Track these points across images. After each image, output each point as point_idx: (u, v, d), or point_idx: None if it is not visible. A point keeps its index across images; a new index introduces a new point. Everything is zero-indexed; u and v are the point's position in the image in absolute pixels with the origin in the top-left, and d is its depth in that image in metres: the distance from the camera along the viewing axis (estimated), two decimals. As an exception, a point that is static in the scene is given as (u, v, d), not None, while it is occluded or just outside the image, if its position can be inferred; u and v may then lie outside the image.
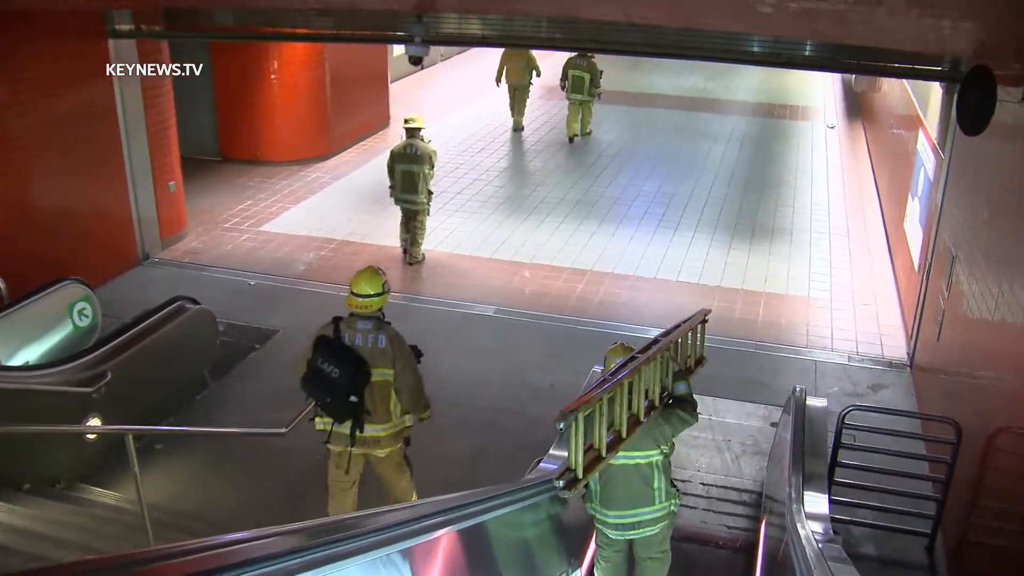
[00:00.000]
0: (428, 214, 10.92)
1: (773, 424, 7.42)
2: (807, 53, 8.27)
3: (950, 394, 6.75)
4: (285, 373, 6.30)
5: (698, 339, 5.96)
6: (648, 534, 5.06)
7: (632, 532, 5.07)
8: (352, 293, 5.82)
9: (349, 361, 5.63)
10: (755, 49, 8.42)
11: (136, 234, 10.73)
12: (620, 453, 4.78)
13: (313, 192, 13.17)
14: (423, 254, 11.02)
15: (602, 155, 15.37)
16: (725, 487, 6.79)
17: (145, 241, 10.80)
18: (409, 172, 10.61)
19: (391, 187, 10.77)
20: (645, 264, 10.71)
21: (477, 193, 13.16)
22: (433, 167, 10.70)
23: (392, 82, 19.66)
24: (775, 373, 8.32)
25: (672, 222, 12.02)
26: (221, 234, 11.59)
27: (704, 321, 6.05)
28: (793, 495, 5.06)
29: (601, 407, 4.48)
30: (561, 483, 4.36)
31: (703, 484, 6.83)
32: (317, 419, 5.91)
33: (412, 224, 10.83)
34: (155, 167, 10.77)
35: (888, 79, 14.21)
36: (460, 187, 13.37)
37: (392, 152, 10.73)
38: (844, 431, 6.20)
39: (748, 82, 21.60)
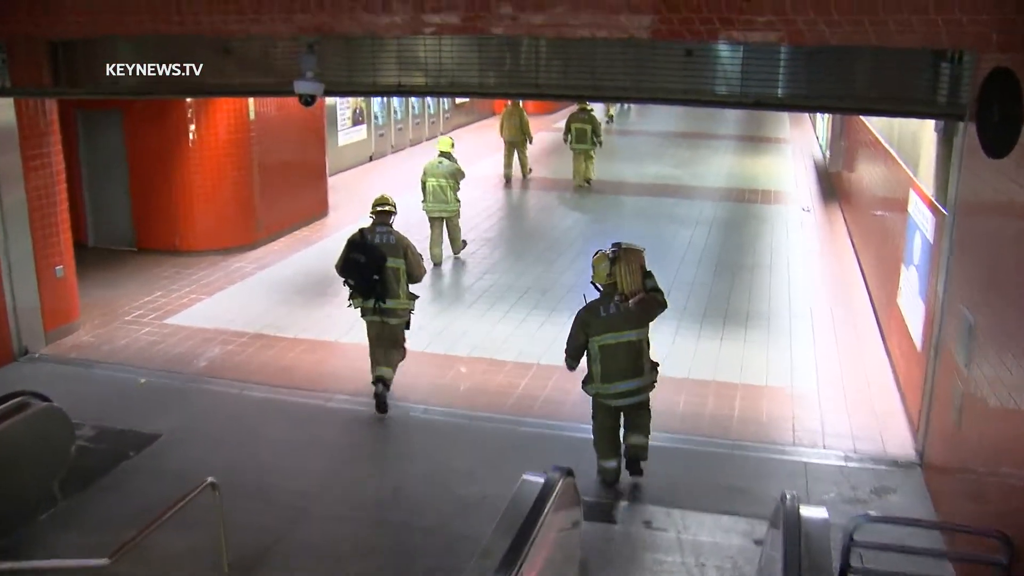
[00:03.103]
0: (459, 216, 13.41)
1: (758, 542, 6.50)
2: (780, 93, 7.18)
3: (981, 498, 5.68)
4: (162, 484, 6.38)
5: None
6: (640, 399, 7.14)
7: (631, 399, 7.10)
8: (375, 203, 8.74)
9: (371, 251, 8.35)
10: (720, 90, 7.36)
11: (11, 325, 9.79)
12: (618, 333, 7.01)
13: (232, 283, 12.53)
14: (465, 241, 13.73)
15: (558, 240, 15.02)
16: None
17: (23, 333, 9.91)
18: (439, 186, 12.96)
19: (423, 200, 13.09)
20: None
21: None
22: (459, 182, 13.13)
23: (338, 172, 19.49)
24: (757, 478, 7.47)
25: (633, 308, 10.97)
26: (119, 327, 10.84)
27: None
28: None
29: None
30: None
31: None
32: (351, 301, 8.62)
33: (450, 226, 13.27)
34: (37, 249, 9.95)
35: (868, 144, 13.74)
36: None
37: (425, 168, 13.17)
38: (853, 549, 5.02)
39: (717, 168, 21.79)
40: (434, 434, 8.28)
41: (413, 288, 8.73)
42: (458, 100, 27.28)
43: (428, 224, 13.23)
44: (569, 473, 5.51)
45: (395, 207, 8.79)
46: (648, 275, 7.16)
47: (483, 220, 16.21)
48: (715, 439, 8.10)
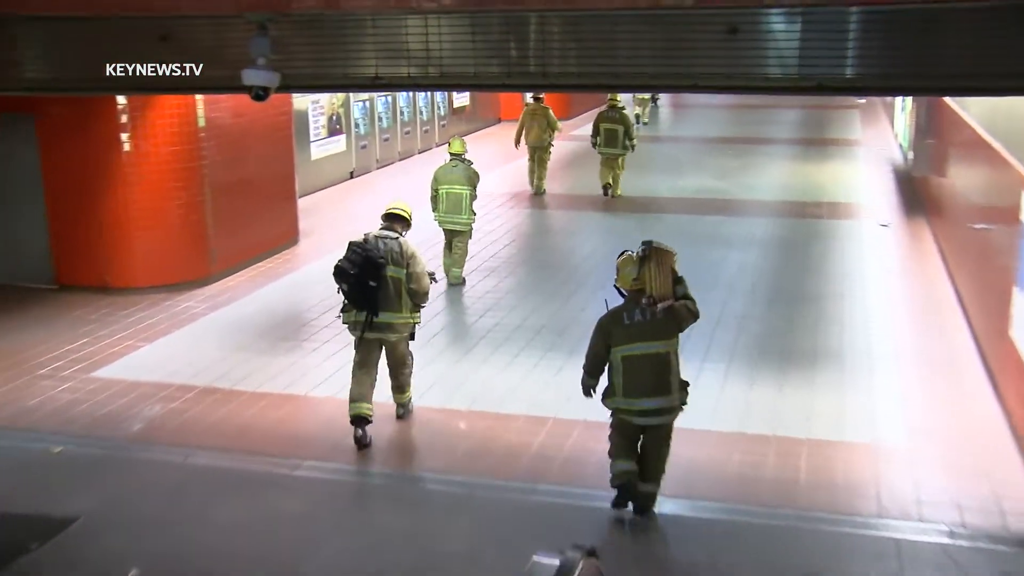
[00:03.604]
0: (471, 236, 14.06)
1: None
2: (849, 72, 7.17)
3: None
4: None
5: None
6: (664, 420, 7.52)
7: (654, 419, 7.47)
8: (390, 206, 9.36)
9: (369, 254, 8.74)
10: (773, 72, 7.34)
11: None
12: (644, 344, 7.37)
13: (179, 326, 12.50)
14: (464, 277, 13.99)
15: (577, 268, 15.09)
16: None
17: (-93, 394, 9.87)
18: (454, 193, 13.57)
19: (434, 210, 13.76)
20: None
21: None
22: (476, 189, 13.73)
23: (312, 192, 19.80)
24: (835, 559, 7.36)
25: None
26: (30, 383, 10.70)
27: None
28: None
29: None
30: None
31: None
32: (344, 315, 9.02)
33: (455, 244, 13.82)
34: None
35: (964, 140, 13.71)
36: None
37: (436, 175, 13.79)
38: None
39: (772, 178, 22.09)
40: (427, 508, 8.20)
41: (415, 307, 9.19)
42: (456, 103, 27.48)
43: (443, 239, 14.12)
44: (591, 553, 5.20)
45: (410, 216, 9.35)
46: (679, 280, 7.57)
47: (488, 245, 16.29)
48: (778, 509, 8.03)
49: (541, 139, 19.86)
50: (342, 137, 21.54)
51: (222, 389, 10.37)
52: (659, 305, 7.37)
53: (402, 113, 24.36)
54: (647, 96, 30.28)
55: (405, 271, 8.91)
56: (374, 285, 8.73)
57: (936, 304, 13.12)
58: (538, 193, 20.03)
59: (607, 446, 7.87)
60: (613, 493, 7.87)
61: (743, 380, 10.56)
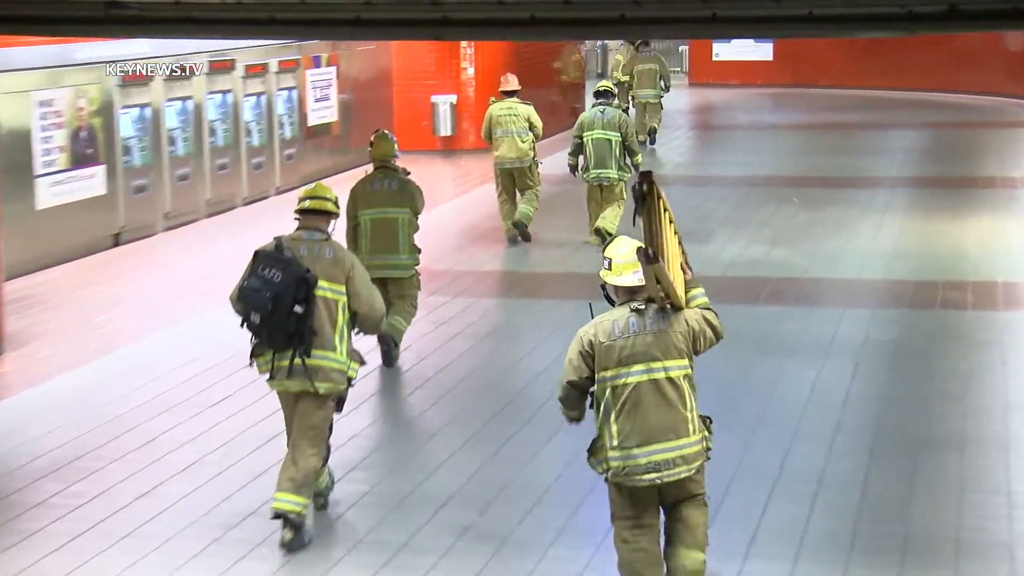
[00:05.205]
0: (419, 286, 15.69)
1: None
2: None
3: None
4: None
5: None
6: (685, 475, 8.63)
7: (671, 473, 8.55)
8: (304, 197, 10.82)
9: (294, 265, 9.98)
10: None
11: None
12: (646, 365, 8.53)
13: None
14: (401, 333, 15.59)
15: (528, 396, 15.34)
16: None
17: None
18: (384, 222, 14.84)
19: (355, 250, 14.28)
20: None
21: (200, 518, 12.52)
22: (418, 214, 15.12)
23: (38, 269, 20.22)
24: None
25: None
26: None
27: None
28: None
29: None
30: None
31: None
32: (255, 359, 10.48)
33: (394, 302, 14.88)
34: None
35: None
36: (157, 508, 12.75)
37: (354, 193, 15.11)
38: None
39: (869, 241, 22.87)
40: None
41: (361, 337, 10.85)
42: (315, 116, 27.94)
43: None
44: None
45: (336, 205, 10.84)
46: (694, 285, 8.78)
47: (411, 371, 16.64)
48: None
49: (523, 153, 22.09)
50: (98, 171, 21.46)
51: None
52: (668, 303, 8.45)
53: (213, 133, 24.28)
54: (655, 98, 32.62)
55: (343, 288, 10.28)
56: (301, 311, 9.90)
57: None
58: (512, 236, 22.60)
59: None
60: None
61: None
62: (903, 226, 23.71)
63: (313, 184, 10.81)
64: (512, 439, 13.83)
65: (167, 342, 17.93)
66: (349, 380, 10.48)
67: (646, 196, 8.33)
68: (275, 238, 10.25)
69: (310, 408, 10.32)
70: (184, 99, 23.39)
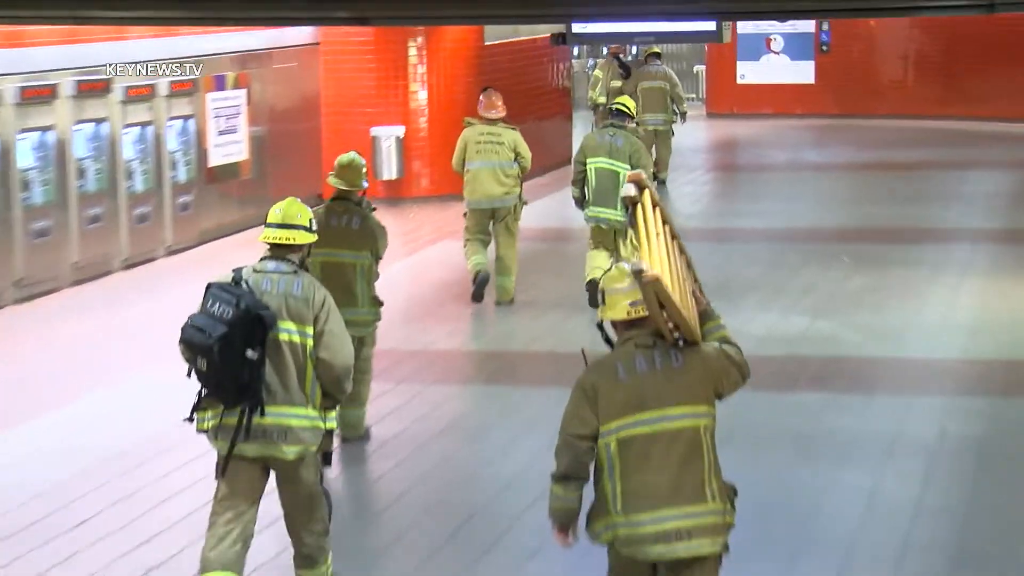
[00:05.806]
0: (374, 343, 16.14)
1: None
2: None
3: None
4: None
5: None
6: (700, 552, 8.75)
7: (682, 545, 8.67)
8: (267, 225, 11.01)
9: (246, 300, 10.29)
10: None
11: None
12: (656, 413, 8.68)
13: None
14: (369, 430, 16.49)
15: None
16: None
17: None
18: (337, 266, 14.96)
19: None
20: None
21: None
22: (379, 259, 15.44)
23: None
24: None
25: None
26: None
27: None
28: None
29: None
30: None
31: None
32: (198, 414, 10.64)
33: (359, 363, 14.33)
34: None
35: None
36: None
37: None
38: None
39: (938, 311, 23.22)
40: None
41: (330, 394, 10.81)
42: (216, 156, 27.73)
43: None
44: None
45: (311, 228, 10.97)
46: (710, 316, 8.94)
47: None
48: None
49: (507, 189, 22.66)
50: None
51: None
52: (678, 338, 8.51)
53: (82, 175, 24.11)
54: (664, 124, 33.35)
55: (312, 330, 10.38)
56: (254, 357, 9.96)
57: None
58: (483, 278, 22.94)
59: None
60: None
61: None
62: (986, 292, 24.01)
63: (286, 200, 10.77)
64: (471, 569, 13.68)
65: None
66: (320, 428, 10.48)
67: (638, 203, 8.47)
68: (233, 271, 10.37)
69: (290, 475, 10.44)
70: (43, 130, 22.93)
